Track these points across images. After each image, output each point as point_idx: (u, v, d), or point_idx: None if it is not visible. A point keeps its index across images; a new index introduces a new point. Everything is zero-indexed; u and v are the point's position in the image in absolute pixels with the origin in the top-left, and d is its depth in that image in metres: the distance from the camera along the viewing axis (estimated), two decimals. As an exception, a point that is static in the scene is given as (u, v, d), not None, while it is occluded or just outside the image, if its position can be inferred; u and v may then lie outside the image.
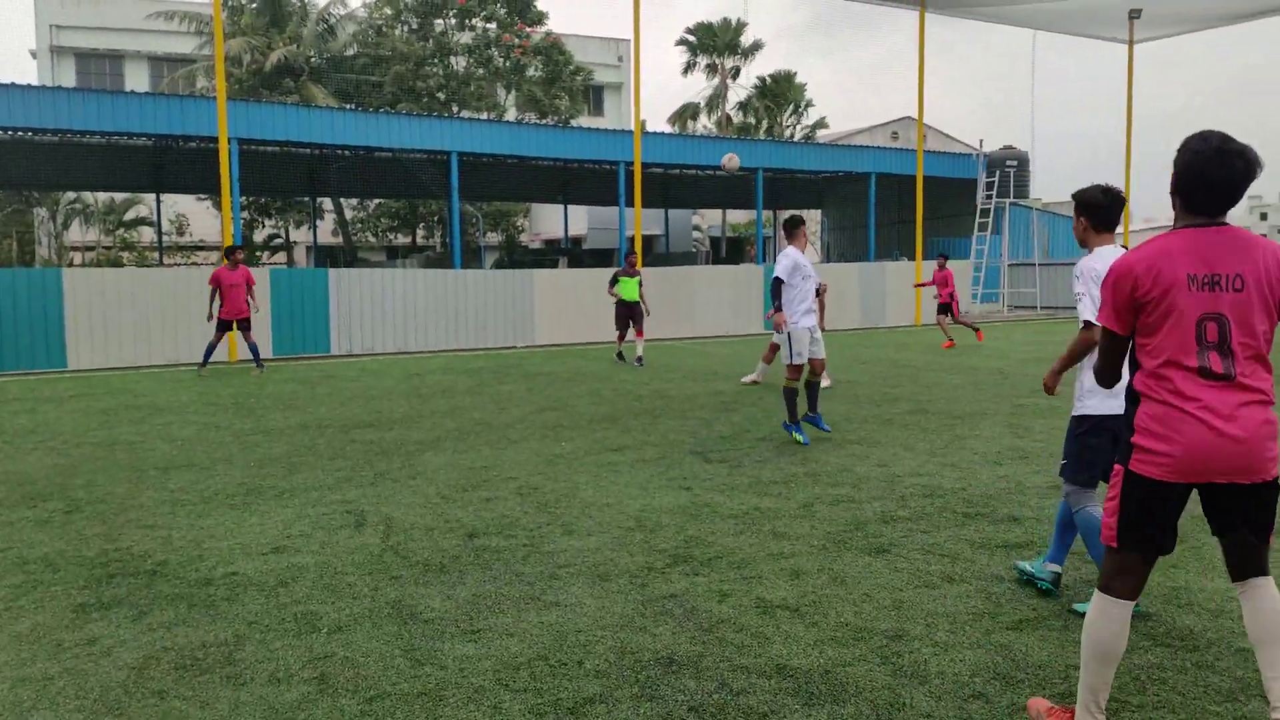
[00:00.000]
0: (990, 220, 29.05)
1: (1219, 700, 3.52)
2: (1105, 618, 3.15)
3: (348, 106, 32.36)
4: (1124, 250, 4.33)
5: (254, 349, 15.09)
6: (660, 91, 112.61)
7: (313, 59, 35.70)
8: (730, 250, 46.99)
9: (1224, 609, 4.42)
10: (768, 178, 31.43)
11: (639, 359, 15.54)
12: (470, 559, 5.33)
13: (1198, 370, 3.02)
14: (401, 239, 46.64)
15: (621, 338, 16.35)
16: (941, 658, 3.93)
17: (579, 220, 42.65)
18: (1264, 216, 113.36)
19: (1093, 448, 4.41)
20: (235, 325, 15.00)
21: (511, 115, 37.78)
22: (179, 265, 40.81)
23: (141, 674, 3.91)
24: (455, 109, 35.45)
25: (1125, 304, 3.12)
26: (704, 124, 52.23)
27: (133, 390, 13.07)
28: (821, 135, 52.30)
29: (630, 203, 22.33)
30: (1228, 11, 25.00)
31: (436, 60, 35.88)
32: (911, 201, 26.05)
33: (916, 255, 25.64)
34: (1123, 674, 3.73)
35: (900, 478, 7.17)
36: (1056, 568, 4.68)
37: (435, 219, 43.19)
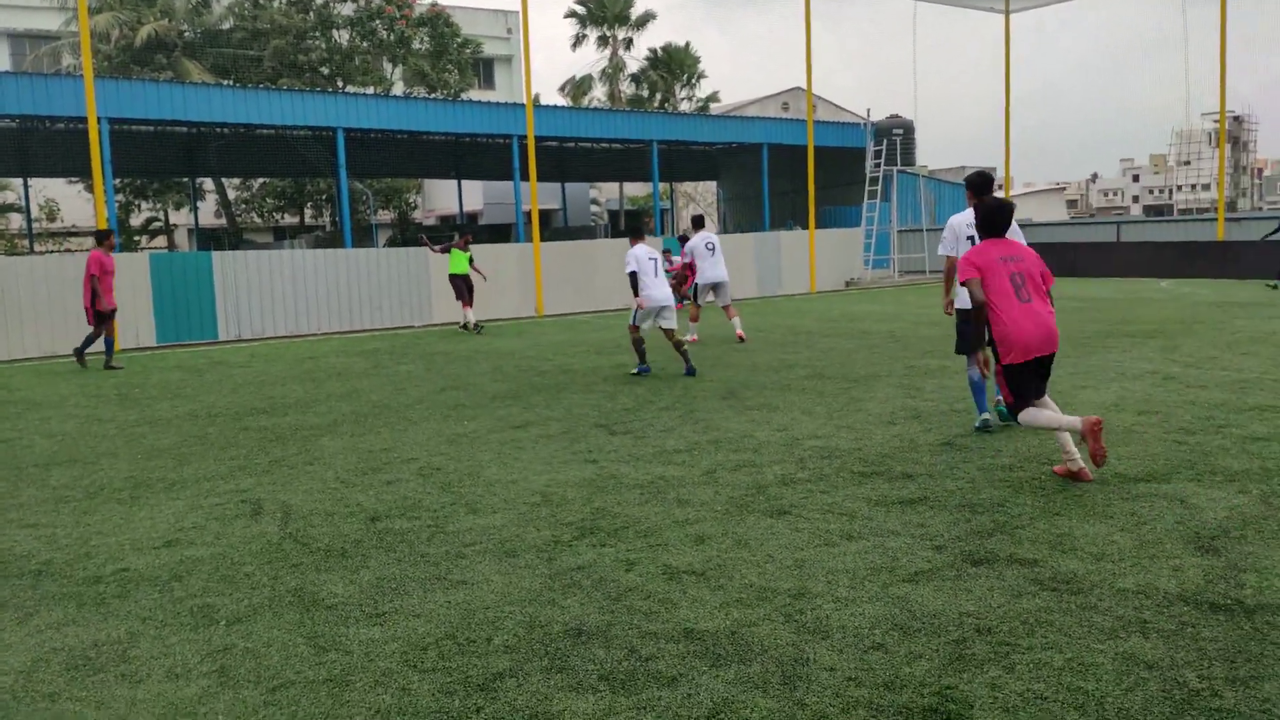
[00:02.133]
0: (879, 188, 29.68)
1: (1102, 639, 3.72)
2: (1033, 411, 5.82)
3: (225, 82, 31.11)
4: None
5: (110, 343, 14.08)
6: (551, 64, 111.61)
7: (186, 33, 34.18)
8: (629, 223, 47.00)
9: (1105, 553, 4.65)
10: (662, 150, 31.47)
11: (477, 326, 17.32)
12: (373, 543, 5.25)
13: None
14: (289, 219, 45.19)
15: (467, 305, 17.71)
16: (842, 613, 4.05)
17: (474, 195, 42.03)
18: (1136, 178, 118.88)
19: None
20: (110, 315, 13.82)
21: (399, 90, 36.88)
22: (51, 253, 38.82)
23: (30, 677, 3.75)
24: (340, 84, 34.43)
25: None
26: (597, 97, 51.95)
27: (6, 385, 12.43)
28: (714, 107, 52.54)
29: (526, 176, 22.09)
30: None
31: (318, 33, 34.71)
32: (804, 171, 26.45)
33: (809, 224, 26.07)
34: (1011, 619, 3.91)
35: (799, 440, 7.33)
36: (986, 416, 7.38)
37: (324, 197, 41.91)
